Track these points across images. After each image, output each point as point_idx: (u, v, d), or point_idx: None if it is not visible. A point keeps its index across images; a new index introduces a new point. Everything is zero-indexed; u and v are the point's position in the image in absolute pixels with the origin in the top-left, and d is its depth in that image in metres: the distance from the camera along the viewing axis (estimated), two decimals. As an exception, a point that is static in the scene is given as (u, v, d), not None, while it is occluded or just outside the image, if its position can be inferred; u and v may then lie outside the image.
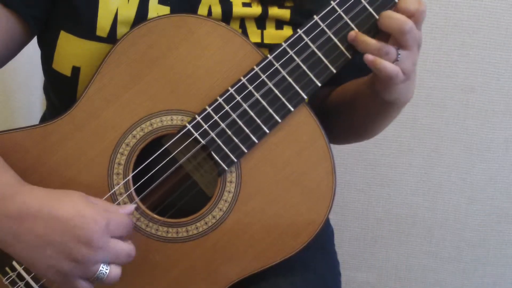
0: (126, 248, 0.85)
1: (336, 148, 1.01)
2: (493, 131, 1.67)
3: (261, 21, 0.97)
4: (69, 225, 0.81)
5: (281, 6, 0.98)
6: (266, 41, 0.97)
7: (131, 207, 0.89)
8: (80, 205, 0.83)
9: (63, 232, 0.81)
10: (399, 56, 0.87)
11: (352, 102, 1.05)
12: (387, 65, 0.87)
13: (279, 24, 0.98)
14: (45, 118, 1.16)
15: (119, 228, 0.84)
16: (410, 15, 0.86)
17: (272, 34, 0.97)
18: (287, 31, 0.98)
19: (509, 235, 1.75)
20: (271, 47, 0.93)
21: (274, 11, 0.97)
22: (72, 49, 0.94)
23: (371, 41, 0.87)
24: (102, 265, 0.83)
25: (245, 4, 0.96)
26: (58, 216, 0.82)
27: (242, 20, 0.97)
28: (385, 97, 0.94)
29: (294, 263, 0.95)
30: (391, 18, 0.86)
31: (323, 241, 1.12)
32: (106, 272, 0.84)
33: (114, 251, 0.84)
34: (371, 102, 0.99)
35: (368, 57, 0.87)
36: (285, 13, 0.97)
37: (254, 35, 0.97)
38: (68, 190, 0.86)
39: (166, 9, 0.94)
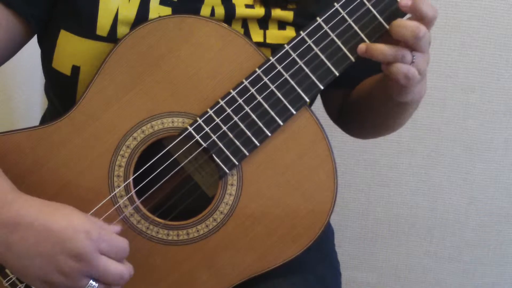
0: (118, 269, 0.84)
1: (336, 148, 1.01)
2: (493, 131, 1.67)
3: (263, 22, 0.97)
4: (60, 238, 0.81)
5: (284, 8, 0.97)
6: (268, 40, 0.97)
7: (117, 227, 0.88)
8: (74, 219, 0.83)
9: (54, 244, 0.81)
10: (414, 58, 0.86)
11: (368, 102, 1.04)
12: (405, 68, 0.86)
13: (282, 24, 0.97)
14: (45, 118, 1.16)
15: (111, 247, 0.83)
16: (425, 20, 0.85)
17: (274, 34, 0.97)
18: (290, 31, 0.97)
19: (509, 235, 1.75)
20: (274, 47, 0.93)
21: (277, 13, 0.96)
22: (72, 48, 0.94)
23: (385, 49, 0.86)
24: (91, 280, 0.83)
25: (248, 6, 0.96)
26: (51, 228, 0.81)
27: (245, 21, 0.96)
28: (400, 100, 0.93)
29: (294, 264, 0.95)
30: (404, 27, 0.84)
31: (323, 242, 1.12)
32: (95, 286, 0.83)
33: (103, 269, 0.83)
34: (386, 104, 0.98)
35: (383, 67, 0.87)
36: (288, 15, 0.97)
37: (257, 35, 0.96)
38: (62, 204, 0.85)
39: (167, 10, 0.94)
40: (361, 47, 0.87)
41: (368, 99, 1.04)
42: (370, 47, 0.86)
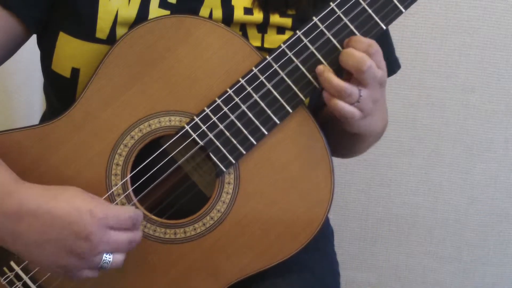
0: (126, 237, 0.85)
1: (336, 148, 1.01)
2: (493, 131, 1.67)
3: (262, 27, 0.97)
4: (66, 222, 0.82)
5: (283, 14, 0.96)
6: (266, 45, 0.96)
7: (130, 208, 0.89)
8: (77, 201, 0.84)
9: (61, 229, 0.82)
10: (361, 97, 0.87)
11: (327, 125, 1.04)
12: (344, 107, 0.86)
13: (281, 29, 0.97)
14: (45, 118, 1.16)
15: (118, 220, 0.84)
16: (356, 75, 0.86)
17: (272, 39, 0.96)
18: (288, 36, 0.97)
19: (509, 235, 1.74)
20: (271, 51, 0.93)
21: (275, 19, 0.96)
22: (71, 51, 0.94)
23: (335, 81, 0.86)
24: (105, 254, 0.84)
25: (247, 10, 0.95)
26: (56, 213, 0.82)
27: (243, 25, 0.96)
28: (347, 130, 0.94)
29: (293, 264, 0.95)
30: (350, 55, 0.85)
31: (322, 241, 1.12)
32: (109, 261, 0.85)
33: (114, 242, 0.84)
34: (337, 131, 0.98)
35: (326, 95, 0.87)
36: (286, 22, 0.96)
37: (255, 39, 0.96)
38: (66, 186, 0.87)
39: (166, 13, 0.94)
40: (320, 68, 0.87)
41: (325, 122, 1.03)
42: (324, 73, 0.87)
